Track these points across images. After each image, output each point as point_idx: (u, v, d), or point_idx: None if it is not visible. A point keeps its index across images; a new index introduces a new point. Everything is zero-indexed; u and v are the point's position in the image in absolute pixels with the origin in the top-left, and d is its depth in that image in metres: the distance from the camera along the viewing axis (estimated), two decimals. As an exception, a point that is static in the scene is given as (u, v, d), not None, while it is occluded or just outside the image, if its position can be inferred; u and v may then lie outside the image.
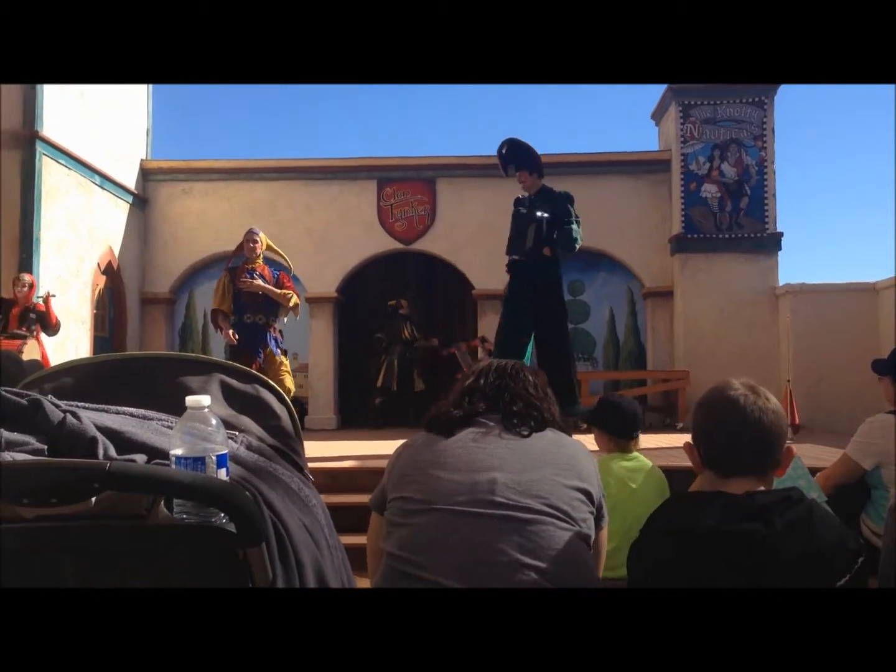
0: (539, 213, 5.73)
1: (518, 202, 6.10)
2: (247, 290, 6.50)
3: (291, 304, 6.62)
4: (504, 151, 5.96)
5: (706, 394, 1.62)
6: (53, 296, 7.59)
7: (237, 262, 6.83)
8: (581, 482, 1.72)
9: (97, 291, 9.82)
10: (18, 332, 7.21)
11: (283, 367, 6.58)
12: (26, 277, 7.59)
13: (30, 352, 7.04)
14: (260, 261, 6.74)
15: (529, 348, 5.77)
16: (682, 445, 1.71)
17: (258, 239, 6.76)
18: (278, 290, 6.57)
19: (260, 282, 6.54)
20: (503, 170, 6.06)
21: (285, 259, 7.18)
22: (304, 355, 11.03)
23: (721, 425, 1.55)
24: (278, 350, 6.60)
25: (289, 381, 6.51)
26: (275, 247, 7.05)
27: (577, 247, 5.85)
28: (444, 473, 1.67)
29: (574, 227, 5.75)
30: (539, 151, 6.13)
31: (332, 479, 4.85)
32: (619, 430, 3.08)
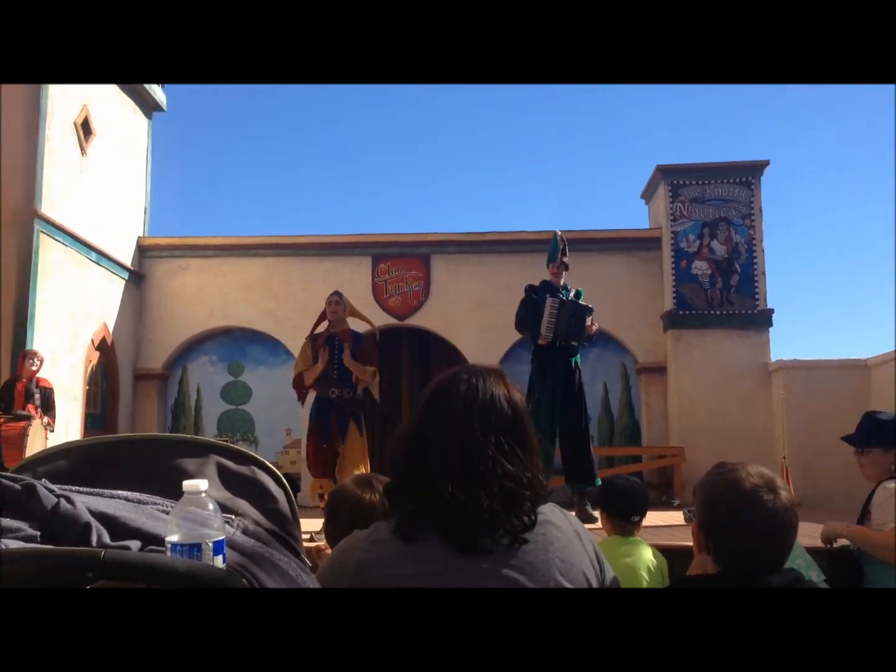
0: (590, 306, 6.39)
1: (542, 290, 6.46)
2: (321, 360, 5.93)
3: (367, 377, 5.99)
4: (562, 245, 6.48)
5: (721, 486, 1.53)
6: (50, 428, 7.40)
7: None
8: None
9: (90, 367, 9.81)
10: (23, 413, 6.96)
11: (364, 448, 5.98)
12: (39, 353, 7.52)
13: (34, 433, 6.78)
14: (344, 326, 6.19)
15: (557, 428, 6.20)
16: (682, 522, 1.66)
17: (340, 300, 6.21)
18: (356, 364, 5.93)
19: (348, 354, 5.92)
20: (556, 256, 6.49)
21: (371, 324, 6.65)
22: (298, 431, 10.95)
23: (742, 529, 1.48)
24: (362, 429, 6.03)
25: (363, 466, 5.88)
26: (358, 311, 6.53)
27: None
28: None
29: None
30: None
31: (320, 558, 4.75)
32: (617, 511, 3.09)
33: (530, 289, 6.49)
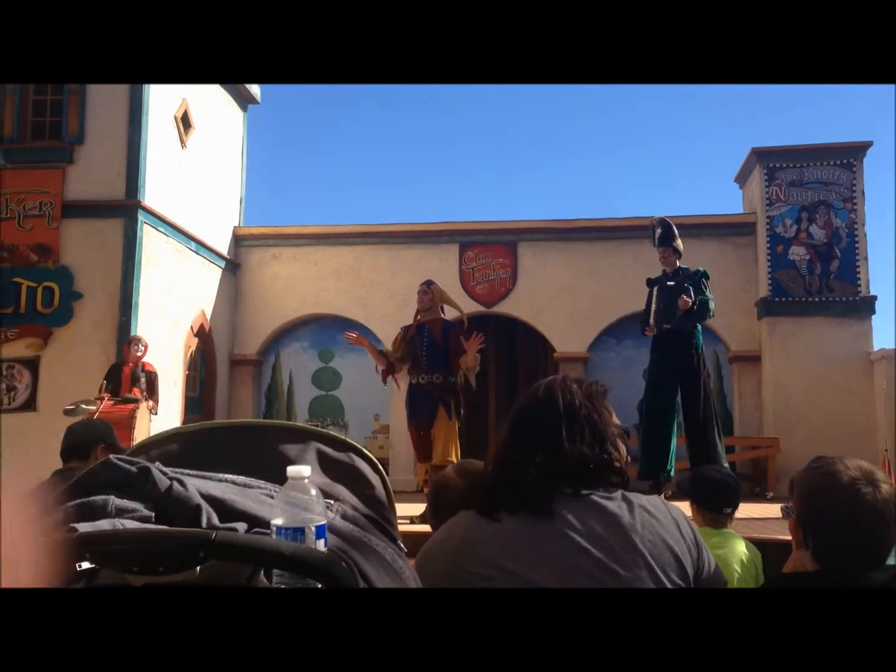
0: (687, 285, 6.26)
1: (653, 281, 6.58)
2: (409, 347, 6.16)
3: (465, 366, 6.03)
4: (659, 231, 6.50)
5: (818, 480, 1.50)
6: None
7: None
8: (683, 581, 1.45)
9: (189, 353, 10.18)
10: (130, 396, 7.22)
11: (452, 433, 6.03)
12: (143, 339, 7.81)
13: (142, 416, 7.02)
14: (436, 315, 6.28)
15: (676, 414, 6.27)
16: (776, 515, 1.63)
17: (428, 290, 6.30)
18: (476, 358, 5.95)
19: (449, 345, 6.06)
20: (654, 241, 6.56)
21: (460, 311, 6.61)
22: (385, 416, 11.11)
23: (841, 524, 1.45)
24: (451, 413, 6.06)
25: (453, 450, 5.94)
26: (449, 298, 6.55)
27: (711, 317, 6.47)
28: (528, 575, 1.41)
29: (709, 298, 6.32)
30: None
31: (414, 544, 4.80)
32: (708, 503, 3.01)
33: (646, 282, 6.62)
